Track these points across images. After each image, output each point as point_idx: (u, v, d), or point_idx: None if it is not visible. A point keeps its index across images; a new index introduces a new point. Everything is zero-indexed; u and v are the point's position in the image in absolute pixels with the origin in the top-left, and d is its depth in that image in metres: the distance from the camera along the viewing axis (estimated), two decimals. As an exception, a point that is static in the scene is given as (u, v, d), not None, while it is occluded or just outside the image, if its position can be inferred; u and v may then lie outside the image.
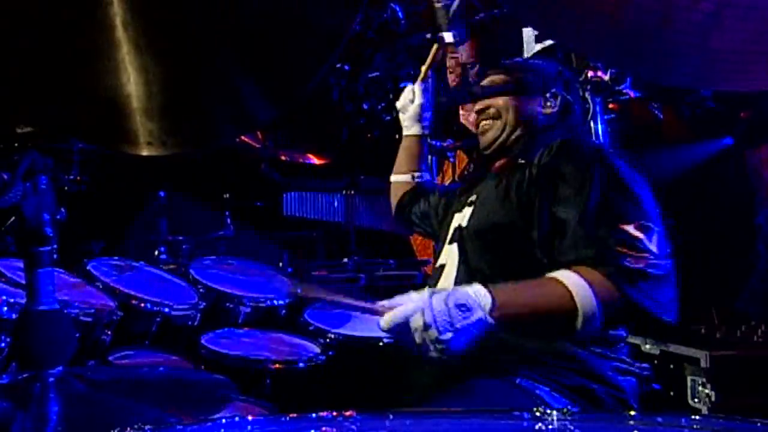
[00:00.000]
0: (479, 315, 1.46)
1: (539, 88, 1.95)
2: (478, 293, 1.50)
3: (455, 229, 1.96)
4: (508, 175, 1.85)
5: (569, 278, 1.56)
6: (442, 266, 1.90)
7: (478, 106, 2.00)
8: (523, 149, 1.89)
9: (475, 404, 1.56)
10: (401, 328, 1.46)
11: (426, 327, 1.43)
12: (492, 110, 1.95)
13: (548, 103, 1.94)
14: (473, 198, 1.96)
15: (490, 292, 1.50)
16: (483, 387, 1.66)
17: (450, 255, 1.90)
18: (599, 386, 1.67)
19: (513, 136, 1.93)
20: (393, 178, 2.39)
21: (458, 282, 1.78)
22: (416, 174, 2.35)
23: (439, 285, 1.86)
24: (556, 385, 1.65)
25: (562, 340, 1.68)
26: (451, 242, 1.94)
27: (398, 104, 2.38)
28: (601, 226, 1.62)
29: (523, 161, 1.84)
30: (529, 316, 1.55)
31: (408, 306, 1.47)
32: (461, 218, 1.95)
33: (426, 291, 1.50)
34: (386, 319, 1.47)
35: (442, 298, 1.47)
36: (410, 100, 2.33)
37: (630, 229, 1.59)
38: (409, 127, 2.36)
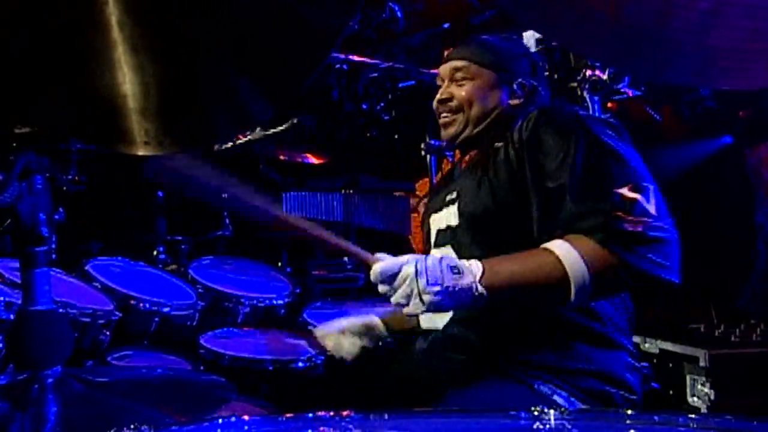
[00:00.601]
0: (469, 279, 1.49)
1: (505, 80, 1.86)
2: (469, 262, 1.53)
3: (441, 230, 1.87)
4: (486, 161, 1.76)
5: (560, 247, 1.53)
6: None
7: (440, 95, 1.89)
8: (493, 138, 1.80)
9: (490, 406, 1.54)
10: (389, 278, 1.49)
11: (416, 274, 1.46)
12: (454, 102, 1.86)
13: (515, 94, 1.86)
14: (453, 196, 1.85)
15: (480, 262, 1.53)
16: (500, 391, 1.64)
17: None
18: (612, 388, 1.66)
19: (477, 130, 1.86)
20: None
21: None
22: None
23: None
24: (573, 389, 1.63)
25: (574, 339, 1.65)
26: (437, 245, 1.87)
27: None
28: (593, 193, 1.56)
29: (499, 144, 1.74)
30: (520, 286, 1.55)
31: (402, 258, 1.51)
32: (447, 218, 1.85)
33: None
34: (378, 266, 1.50)
35: (436, 257, 1.51)
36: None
37: (624, 191, 1.53)
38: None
